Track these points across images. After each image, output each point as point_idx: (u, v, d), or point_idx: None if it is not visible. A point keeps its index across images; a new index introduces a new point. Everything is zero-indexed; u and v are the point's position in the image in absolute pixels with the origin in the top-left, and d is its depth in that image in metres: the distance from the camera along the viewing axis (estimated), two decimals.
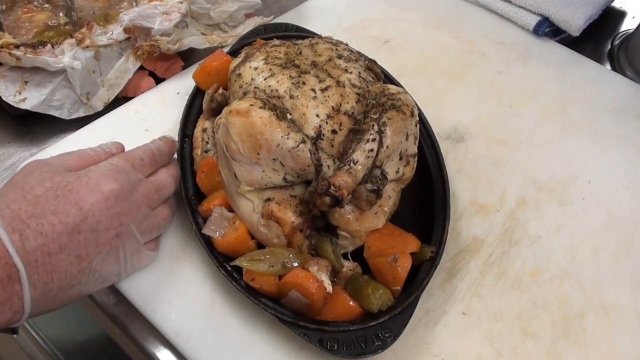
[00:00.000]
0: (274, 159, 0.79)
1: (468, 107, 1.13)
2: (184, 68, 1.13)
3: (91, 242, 0.71)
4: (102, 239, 0.72)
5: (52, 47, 0.99)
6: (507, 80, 1.19)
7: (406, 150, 0.84)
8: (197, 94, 0.98)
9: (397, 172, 0.83)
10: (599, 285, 0.91)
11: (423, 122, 0.98)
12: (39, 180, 0.72)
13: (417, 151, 0.86)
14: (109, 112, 1.04)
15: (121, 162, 0.78)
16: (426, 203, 0.91)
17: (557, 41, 1.28)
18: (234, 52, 1.01)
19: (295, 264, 0.79)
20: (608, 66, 1.29)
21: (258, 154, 0.78)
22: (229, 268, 0.81)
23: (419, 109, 0.92)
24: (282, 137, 0.77)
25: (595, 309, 0.89)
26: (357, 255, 0.84)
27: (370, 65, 0.94)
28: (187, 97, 0.98)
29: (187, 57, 1.15)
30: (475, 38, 1.26)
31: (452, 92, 1.16)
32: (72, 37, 1.01)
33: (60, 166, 0.75)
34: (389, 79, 1.04)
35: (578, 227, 0.97)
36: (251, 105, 0.79)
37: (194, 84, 0.99)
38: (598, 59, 1.28)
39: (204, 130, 0.94)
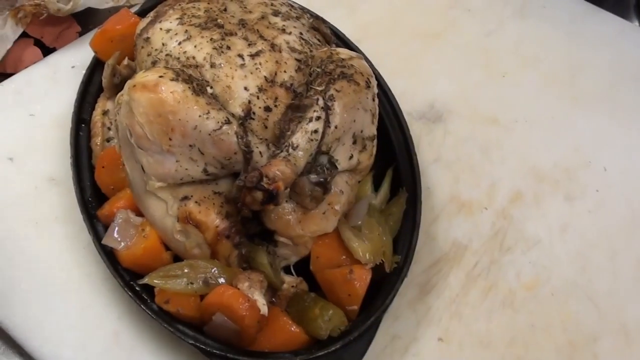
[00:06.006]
0: (190, 146, 0.80)
1: (448, 77, 1.16)
2: (80, 35, 1.16)
3: None
4: None
5: None
6: (499, 42, 1.21)
7: (361, 131, 0.87)
8: (97, 66, 1.00)
9: (351, 159, 0.86)
10: (616, 300, 0.95)
11: (388, 98, 1.00)
12: None
13: (376, 133, 0.90)
14: None
15: None
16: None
17: None
18: (144, 12, 1.02)
19: (221, 280, 0.81)
20: (636, 22, 1.34)
21: (170, 139, 0.80)
22: (136, 288, 0.83)
23: (381, 80, 0.96)
24: (200, 116, 0.79)
25: (612, 330, 0.92)
26: (302, 267, 0.87)
27: (317, 25, 0.96)
28: (84, 72, 1.00)
29: (85, 20, 1.16)
30: None
31: (428, 58, 1.18)
32: None
33: None
34: (343, 43, 1.06)
35: (590, 227, 1.01)
36: (160, 77, 0.81)
37: (92, 54, 1.01)
38: (621, 12, 1.30)
39: (105, 113, 0.96)
